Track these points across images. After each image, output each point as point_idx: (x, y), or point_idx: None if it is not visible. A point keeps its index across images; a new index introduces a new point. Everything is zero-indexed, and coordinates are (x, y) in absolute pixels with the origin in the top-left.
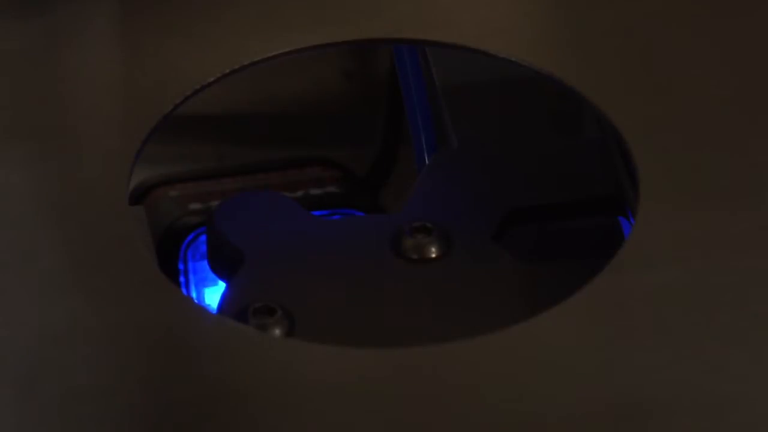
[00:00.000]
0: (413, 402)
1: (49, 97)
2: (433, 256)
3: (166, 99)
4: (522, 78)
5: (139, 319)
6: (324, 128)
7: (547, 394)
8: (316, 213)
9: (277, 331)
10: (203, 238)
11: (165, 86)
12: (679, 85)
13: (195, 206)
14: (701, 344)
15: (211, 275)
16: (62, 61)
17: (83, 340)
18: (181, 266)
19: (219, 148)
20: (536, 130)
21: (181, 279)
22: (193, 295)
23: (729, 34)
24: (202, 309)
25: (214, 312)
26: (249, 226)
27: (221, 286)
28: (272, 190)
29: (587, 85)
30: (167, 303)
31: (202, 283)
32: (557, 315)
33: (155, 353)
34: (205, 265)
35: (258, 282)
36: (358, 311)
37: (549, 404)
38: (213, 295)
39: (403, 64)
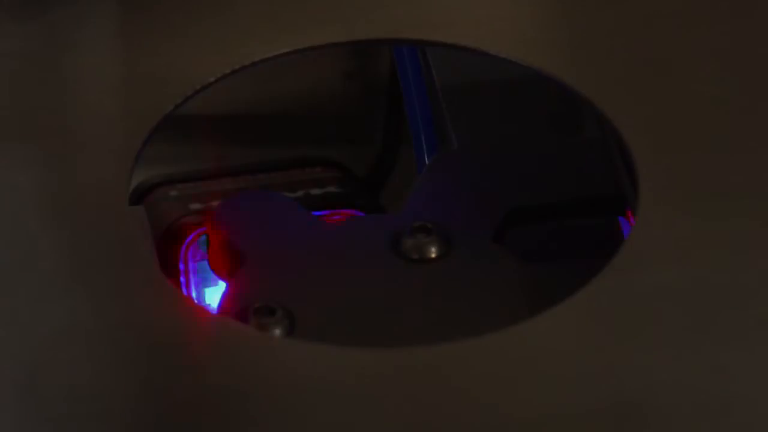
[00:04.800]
0: (413, 402)
1: (49, 97)
2: (433, 256)
3: (166, 99)
4: (522, 78)
5: (139, 319)
6: (324, 128)
7: (547, 394)
8: (316, 213)
9: (277, 331)
10: (203, 238)
11: (165, 86)
12: (680, 85)
13: (195, 206)
14: (701, 344)
15: (211, 275)
16: (62, 61)
17: (83, 340)
18: (181, 266)
19: (219, 148)
20: (536, 130)
21: (181, 279)
22: (193, 295)
23: (729, 34)
24: (202, 309)
25: (214, 312)
26: (249, 226)
27: (221, 286)
28: (272, 190)
29: (587, 85)
30: (167, 303)
31: (202, 283)
32: (557, 315)
33: (155, 353)
34: (205, 265)
35: (258, 282)
36: (358, 311)
37: (549, 404)
38: (213, 295)
39: (403, 64)
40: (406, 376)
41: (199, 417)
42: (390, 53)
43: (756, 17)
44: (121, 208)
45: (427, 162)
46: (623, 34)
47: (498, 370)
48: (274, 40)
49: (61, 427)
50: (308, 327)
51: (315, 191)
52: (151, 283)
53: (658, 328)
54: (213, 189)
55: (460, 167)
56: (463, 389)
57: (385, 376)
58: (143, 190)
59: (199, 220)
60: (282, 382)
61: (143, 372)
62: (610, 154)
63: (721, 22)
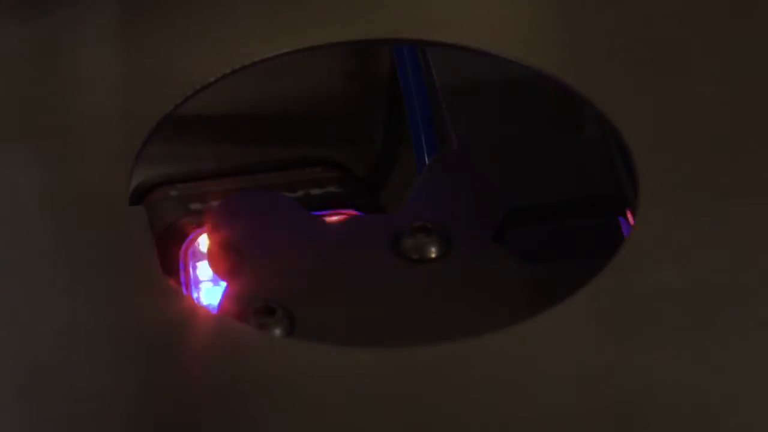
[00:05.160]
0: (413, 402)
1: (49, 97)
2: (433, 256)
3: (166, 99)
4: (522, 78)
5: (139, 319)
6: (324, 128)
7: (547, 394)
8: (316, 213)
9: (277, 331)
10: (203, 238)
11: (165, 86)
12: (680, 85)
13: (195, 206)
14: (701, 344)
15: (211, 275)
16: (62, 61)
17: (83, 340)
18: (181, 266)
19: (219, 148)
20: (536, 130)
21: (182, 279)
22: (193, 295)
23: (729, 34)
24: (202, 309)
25: (214, 312)
26: (249, 226)
27: (221, 286)
28: (272, 190)
29: (587, 85)
30: (167, 303)
31: (202, 283)
32: (557, 315)
33: (155, 353)
34: (205, 265)
35: (258, 282)
36: (358, 311)
37: (549, 404)
38: (213, 295)
39: (403, 64)
40: (406, 376)
41: (199, 417)
42: (390, 53)
43: (756, 17)
44: (121, 208)
45: (427, 162)
46: (623, 34)
47: (498, 370)
48: (274, 40)
49: (61, 427)
50: (308, 327)
51: (315, 191)
52: (151, 283)
53: (658, 328)
54: (213, 189)
55: (460, 167)
56: (463, 389)
57: (385, 376)
58: (143, 190)
59: (199, 220)
60: (282, 382)
61: (143, 372)
62: (610, 154)
63: (721, 22)
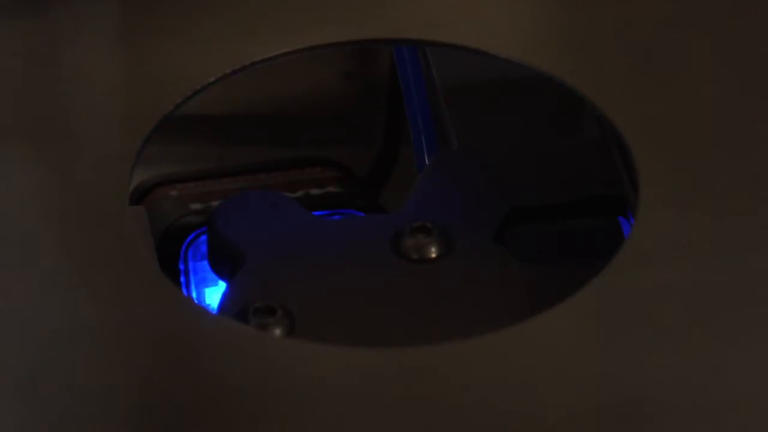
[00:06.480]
0: (413, 402)
1: (49, 97)
2: (434, 256)
3: (166, 99)
4: (522, 78)
5: (140, 319)
6: (324, 128)
7: (547, 393)
8: (316, 213)
9: (277, 331)
10: (203, 238)
11: (165, 86)
12: (679, 86)
13: (195, 206)
14: (701, 344)
15: (211, 275)
16: (62, 61)
17: (83, 340)
18: (181, 266)
19: (219, 148)
20: (536, 130)
21: (182, 279)
22: (193, 295)
23: (729, 34)
24: (202, 309)
25: (214, 312)
26: (249, 226)
27: (221, 286)
28: (272, 190)
29: (587, 85)
30: (167, 303)
31: (202, 283)
32: (557, 315)
33: (155, 353)
34: (205, 265)
35: (258, 282)
36: (358, 311)
37: (549, 404)
38: (213, 295)
39: (403, 64)
40: (406, 376)
41: (199, 417)
42: (390, 53)
43: (756, 17)
44: (121, 208)
45: (427, 162)
46: (623, 34)
47: (498, 370)
48: (274, 40)
49: (61, 427)
50: (308, 327)
51: (315, 191)
52: (151, 283)
53: (658, 328)
54: (213, 189)
55: (460, 167)
56: (463, 389)
57: (385, 376)
58: (143, 190)
59: (199, 220)
60: (282, 382)
61: (143, 372)
62: (610, 154)
63: (721, 22)
